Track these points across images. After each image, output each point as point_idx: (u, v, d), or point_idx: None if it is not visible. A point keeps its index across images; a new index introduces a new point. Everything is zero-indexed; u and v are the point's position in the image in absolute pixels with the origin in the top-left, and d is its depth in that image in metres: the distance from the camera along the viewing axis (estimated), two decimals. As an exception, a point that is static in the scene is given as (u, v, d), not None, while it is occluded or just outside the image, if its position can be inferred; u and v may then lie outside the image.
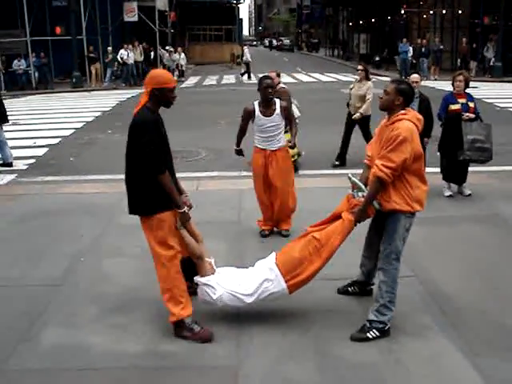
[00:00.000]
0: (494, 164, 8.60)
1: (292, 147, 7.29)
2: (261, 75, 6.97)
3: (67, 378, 4.21)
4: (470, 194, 8.40)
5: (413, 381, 4.09)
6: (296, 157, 9.80)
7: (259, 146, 6.77)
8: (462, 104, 8.12)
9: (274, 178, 6.72)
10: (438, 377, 4.12)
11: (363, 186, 4.70)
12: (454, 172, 8.30)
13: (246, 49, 33.09)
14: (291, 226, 6.88)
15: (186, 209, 4.61)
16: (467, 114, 8.06)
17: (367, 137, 10.40)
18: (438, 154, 8.52)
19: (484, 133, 8.02)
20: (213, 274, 4.82)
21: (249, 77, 31.34)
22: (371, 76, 11.20)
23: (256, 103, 6.67)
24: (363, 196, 4.66)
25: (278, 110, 6.60)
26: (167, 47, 31.74)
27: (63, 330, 4.87)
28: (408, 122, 4.46)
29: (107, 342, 4.67)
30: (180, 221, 4.62)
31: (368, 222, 4.92)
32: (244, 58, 32.55)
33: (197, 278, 4.83)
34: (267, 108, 6.60)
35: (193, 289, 4.93)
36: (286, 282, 4.74)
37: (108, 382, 4.15)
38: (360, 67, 10.70)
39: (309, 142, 12.57)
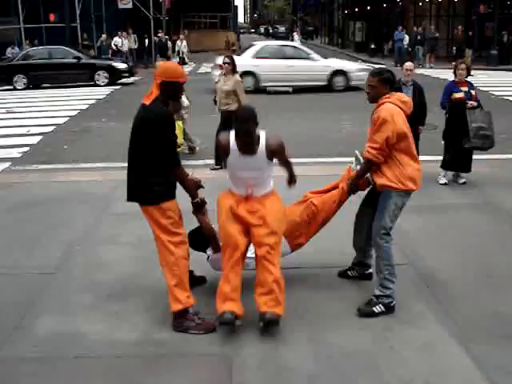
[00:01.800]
0: (489, 152, 8.61)
1: None
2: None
3: (62, 366, 4.21)
4: (464, 182, 8.43)
5: (407, 368, 4.10)
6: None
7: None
8: (465, 92, 8.14)
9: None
10: (432, 364, 4.14)
11: (359, 157, 4.95)
12: (460, 160, 8.31)
13: (295, 35, 32.76)
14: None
15: (198, 199, 4.70)
16: (471, 102, 8.08)
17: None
18: (443, 142, 8.53)
19: (487, 120, 8.07)
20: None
21: None
22: (368, 64, 11.16)
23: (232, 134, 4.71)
24: (355, 169, 4.98)
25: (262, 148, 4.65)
26: (159, 34, 31.53)
27: (58, 317, 4.87)
28: (389, 104, 4.65)
29: (102, 329, 4.67)
30: (194, 210, 4.74)
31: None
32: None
33: (209, 252, 5.06)
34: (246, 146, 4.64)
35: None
36: (288, 243, 5.09)
37: (103, 370, 4.16)
38: (226, 60, 9.74)
39: (294, 129, 12.58)
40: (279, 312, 4.47)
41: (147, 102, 4.43)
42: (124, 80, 22.85)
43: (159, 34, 30.88)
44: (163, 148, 4.39)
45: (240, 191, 4.75)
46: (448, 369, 4.10)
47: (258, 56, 19.47)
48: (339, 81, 19.83)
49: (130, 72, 23.36)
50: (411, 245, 6.11)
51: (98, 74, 22.46)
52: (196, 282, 5.15)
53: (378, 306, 4.74)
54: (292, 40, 32.94)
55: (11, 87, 22.06)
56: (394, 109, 4.63)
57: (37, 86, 22.42)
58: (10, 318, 4.87)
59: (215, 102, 10.09)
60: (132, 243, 6.22)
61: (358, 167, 4.95)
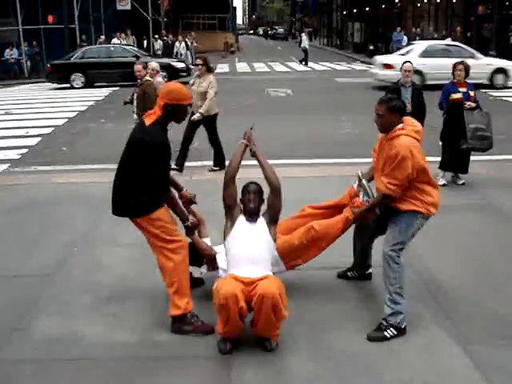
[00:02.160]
0: (488, 153, 8.61)
1: None
2: (255, 64, 6.82)
3: (61, 368, 4.20)
4: (463, 183, 8.43)
5: (406, 369, 4.10)
6: None
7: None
8: (463, 93, 8.13)
9: None
10: (432, 365, 4.14)
11: (371, 193, 4.71)
12: (457, 161, 8.31)
13: (303, 36, 32.85)
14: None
15: (189, 222, 4.70)
16: (469, 102, 8.08)
17: (214, 138, 9.65)
18: (440, 143, 8.53)
19: (485, 121, 8.06)
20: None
21: (306, 63, 31.54)
22: (366, 65, 11.15)
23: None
24: (367, 201, 4.72)
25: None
26: (156, 36, 31.59)
27: (57, 319, 4.86)
28: (405, 137, 4.42)
29: (101, 331, 4.66)
30: (187, 233, 4.77)
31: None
32: (302, 45, 32.48)
33: (204, 270, 5.08)
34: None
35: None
36: (284, 264, 5.02)
37: (102, 372, 4.15)
38: (199, 61, 9.46)
39: (294, 130, 12.59)
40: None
41: (147, 123, 4.37)
42: (182, 79, 22.92)
43: (164, 37, 30.94)
44: (153, 172, 4.34)
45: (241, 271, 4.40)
46: (447, 369, 4.09)
47: (424, 55, 19.67)
48: (499, 78, 20.07)
49: (188, 71, 23.23)
50: (410, 246, 6.06)
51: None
52: (193, 283, 5.14)
53: (389, 330, 4.51)
54: (300, 41, 32.91)
55: (69, 85, 22.31)
56: (413, 142, 4.42)
57: (93, 85, 22.61)
58: (8, 319, 4.86)
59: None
60: (131, 245, 6.21)
61: (366, 198, 4.74)
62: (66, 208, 7.70)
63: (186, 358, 4.31)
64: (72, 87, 22.15)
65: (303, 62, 32.67)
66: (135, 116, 9.56)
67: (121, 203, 4.51)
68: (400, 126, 4.48)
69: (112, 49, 23.70)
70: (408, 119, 4.62)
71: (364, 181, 4.77)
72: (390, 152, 4.43)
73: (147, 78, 9.47)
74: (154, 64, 10.00)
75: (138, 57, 22.06)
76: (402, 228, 4.58)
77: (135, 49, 23.79)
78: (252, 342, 4.43)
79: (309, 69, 30.67)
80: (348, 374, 4.05)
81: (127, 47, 24.15)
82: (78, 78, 22.30)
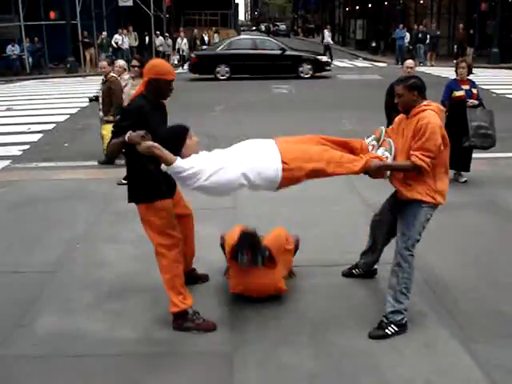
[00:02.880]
0: (491, 151, 8.59)
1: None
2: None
3: (62, 365, 4.20)
4: (465, 181, 8.41)
5: (408, 367, 4.10)
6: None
7: None
8: (466, 90, 8.11)
9: None
10: (434, 363, 4.13)
11: (392, 148, 4.53)
12: (459, 159, 8.29)
13: (326, 32, 32.68)
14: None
15: (128, 134, 4.18)
16: (471, 100, 8.05)
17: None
18: None
19: (488, 119, 8.02)
20: None
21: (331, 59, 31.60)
22: (368, 62, 11.13)
23: None
24: (383, 155, 4.51)
25: None
26: (157, 32, 31.59)
27: (58, 316, 4.87)
28: (432, 112, 4.40)
29: (103, 328, 4.66)
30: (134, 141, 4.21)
31: (363, 211, 4.90)
32: (324, 41, 32.35)
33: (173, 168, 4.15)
34: None
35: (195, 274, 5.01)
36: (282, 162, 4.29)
37: (104, 369, 4.15)
38: (135, 62, 9.05)
39: (297, 126, 12.56)
40: None
41: (132, 98, 4.49)
42: (325, 73, 23.44)
43: (157, 32, 30.91)
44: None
45: None
46: (449, 368, 4.08)
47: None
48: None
49: (330, 64, 23.88)
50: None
51: (302, 66, 22.86)
52: (198, 279, 5.14)
53: (390, 327, 4.51)
54: (323, 38, 32.63)
55: (213, 76, 22.62)
56: (437, 118, 4.38)
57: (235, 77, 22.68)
58: (10, 316, 4.86)
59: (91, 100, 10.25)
60: (132, 241, 6.20)
61: (386, 153, 4.52)
62: (67, 205, 7.70)
63: (188, 354, 4.31)
64: (217, 79, 22.44)
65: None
66: (101, 113, 9.70)
67: (130, 189, 4.55)
68: (425, 102, 4.46)
69: (258, 41, 23.92)
70: (431, 102, 4.56)
71: (389, 139, 4.59)
72: (420, 124, 4.34)
73: (112, 74, 9.56)
74: (121, 62, 10.21)
75: (284, 49, 22.92)
76: (409, 221, 4.53)
77: (278, 42, 24.00)
78: (253, 340, 4.43)
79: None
80: (349, 372, 4.05)
81: (272, 40, 24.98)
82: (222, 70, 22.55)
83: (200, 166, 4.11)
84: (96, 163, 9.93)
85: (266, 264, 4.81)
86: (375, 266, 5.38)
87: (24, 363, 4.23)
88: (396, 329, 4.50)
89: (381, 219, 5.05)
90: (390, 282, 4.63)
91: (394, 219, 4.74)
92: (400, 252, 4.56)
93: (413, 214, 4.52)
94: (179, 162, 4.07)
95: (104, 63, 9.68)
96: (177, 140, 4.24)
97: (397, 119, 4.72)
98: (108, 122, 9.28)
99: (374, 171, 4.48)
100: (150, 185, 4.43)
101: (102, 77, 9.72)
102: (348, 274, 5.46)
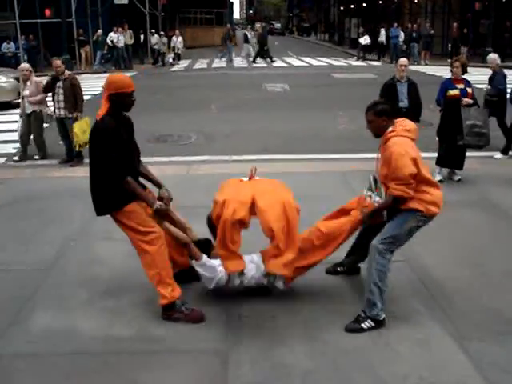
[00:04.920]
0: (485, 150, 8.63)
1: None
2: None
3: (57, 362, 4.20)
4: (459, 180, 8.45)
5: (402, 364, 4.11)
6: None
7: None
8: (461, 89, 8.14)
9: None
10: (427, 360, 4.15)
11: (383, 194, 4.67)
12: (453, 157, 8.32)
13: (382, 31, 32.04)
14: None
15: (157, 205, 4.65)
16: (466, 99, 8.08)
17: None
18: (437, 139, 8.55)
19: (482, 118, 8.06)
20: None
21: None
22: (363, 61, 11.13)
23: None
24: (378, 202, 4.69)
25: None
26: (153, 30, 31.61)
27: (53, 313, 4.87)
28: (396, 137, 4.50)
29: (97, 325, 4.67)
30: (157, 217, 4.72)
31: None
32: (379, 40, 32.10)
33: (193, 263, 4.91)
34: None
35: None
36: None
37: (99, 366, 4.15)
38: (27, 66, 10.26)
39: (291, 125, 12.60)
40: None
41: (98, 118, 4.54)
42: None
43: (152, 31, 30.89)
44: (103, 161, 4.46)
45: None
46: (443, 365, 4.10)
47: None
48: None
49: None
50: (407, 242, 6.11)
51: None
52: (194, 278, 5.15)
53: (366, 322, 4.57)
54: (378, 36, 32.08)
55: None
56: (403, 141, 4.47)
57: None
58: (4, 313, 4.86)
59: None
60: (127, 239, 6.16)
61: (378, 199, 4.70)
62: (62, 202, 7.69)
63: (183, 352, 4.32)
64: None
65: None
66: (62, 112, 9.83)
67: (97, 202, 4.67)
68: (390, 128, 4.56)
69: None
70: (399, 120, 4.67)
71: (379, 183, 4.74)
72: (385, 155, 4.50)
73: (68, 72, 9.98)
74: (26, 65, 10.48)
75: None
76: (397, 223, 4.60)
77: None
78: (248, 338, 4.44)
79: (306, 64, 30.64)
80: (343, 369, 4.06)
81: None
82: None
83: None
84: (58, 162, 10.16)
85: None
86: (360, 265, 5.39)
87: (19, 361, 4.23)
88: (372, 324, 4.56)
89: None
90: (366, 276, 4.73)
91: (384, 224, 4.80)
92: (374, 245, 4.61)
93: (405, 217, 4.58)
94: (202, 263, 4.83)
95: (58, 62, 9.85)
96: None
97: (379, 147, 4.78)
98: (76, 119, 9.63)
99: (369, 219, 4.77)
100: (114, 193, 4.53)
101: (49, 76, 10.02)
102: (332, 271, 5.49)
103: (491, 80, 9.98)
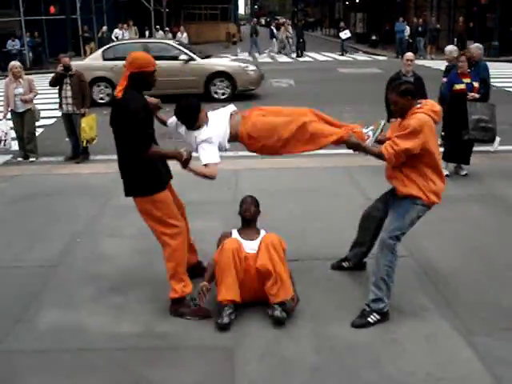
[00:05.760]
0: (491, 144, 8.59)
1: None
2: (258, 54, 6.73)
3: (65, 359, 4.22)
4: (466, 174, 8.41)
5: (409, 360, 4.11)
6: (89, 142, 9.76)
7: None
8: (467, 84, 8.10)
9: None
10: (434, 356, 4.14)
11: (378, 131, 4.75)
12: (459, 152, 8.29)
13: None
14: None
15: (185, 153, 4.44)
16: (472, 93, 8.04)
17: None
18: (443, 133, 8.52)
19: (488, 113, 8.02)
20: None
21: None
22: (369, 56, 11.04)
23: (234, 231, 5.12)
24: (368, 136, 4.75)
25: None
26: (157, 26, 31.62)
27: (60, 310, 4.88)
28: (422, 114, 4.48)
29: (105, 322, 4.68)
30: (184, 166, 4.50)
31: (364, 205, 4.90)
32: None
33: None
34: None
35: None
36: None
37: (106, 363, 4.16)
38: (18, 63, 10.40)
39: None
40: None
41: (119, 96, 4.44)
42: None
43: (157, 26, 30.87)
44: (133, 134, 4.32)
45: None
46: (450, 361, 4.09)
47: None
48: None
49: None
50: (412, 236, 6.07)
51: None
52: (202, 272, 5.16)
53: (372, 316, 4.58)
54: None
55: None
56: (428, 120, 4.46)
57: None
58: (12, 311, 4.88)
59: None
60: (134, 236, 6.21)
61: (370, 132, 4.75)
62: (68, 199, 7.71)
63: (189, 348, 4.32)
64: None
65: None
66: (69, 108, 9.92)
67: (127, 182, 4.57)
68: (418, 105, 4.55)
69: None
70: (428, 101, 4.67)
71: (382, 124, 4.78)
72: (405, 122, 4.48)
73: (75, 68, 9.97)
74: (17, 63, 10.53)
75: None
76: (399, 213, 4.62)
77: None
78: (255, 334, 4.44)
79: (311, 59, 30.58)
80: (351, 365, 4.06)
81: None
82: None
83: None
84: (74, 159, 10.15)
85: None
86: (365, 260, 5.39)
87: (26, 357, 4.25)
88: (378, 317, 4.58)
89: (372, 214, 5.12)
90: (373, 270, 4.73)
91: (385, 215, 4.84)
92: (384, 240, 4.64)
93: (405, 207, 4.60)
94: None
95: (66, 59, 9.86)
96: (193, 113, 4.73)
97: (395, 124, 4.81)
98: (83, 115, 9.74)
99: (350, 145, 4.72)
100: (148, 178, 4.46)
101: (57, 70, 9.91)
102: (337, 266, 5.49)
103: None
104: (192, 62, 16.18)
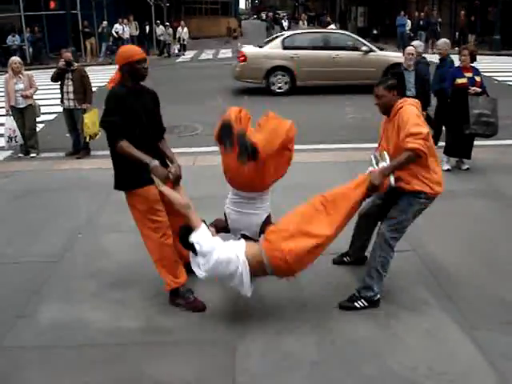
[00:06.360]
0: (493, 138, 8.55)
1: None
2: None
3: (67, 354, 4.22)
4: (468, 168, 8.40)
5: (410, 354, 4.10)
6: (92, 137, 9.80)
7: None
8: (469, 78, 8.07)
9: None
10: (436, 350, 4.13)
11: (387, 156, 4.47)
12: (461, 146, 8.27)
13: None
14: None
15: (154, 163, 4.37)
16: (473, 88, 8.02)
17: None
18: (444, 128, 8.50)
19: (490, 107, 8.00)
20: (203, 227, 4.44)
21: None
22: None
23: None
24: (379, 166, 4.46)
25: None
26: (158, 21, 31.57)
27: (61, 306, 4.88)
28: (408, 105, 4.52)
29: (106, 317, 4.68)
30: (156, 177, 4.43)
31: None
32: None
33: (190, 238, 4.36)
34: None
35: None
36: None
37: (107, 358, 4.16)
38: (17, 59, 10.36)
39: (298, 115, 12.56)
40: None
41: (109, 87, 4.56)
42: None
43: (157, 21, 30.83)
44: (106, 130, 4.49)
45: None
46: (451, 355, 4.09)
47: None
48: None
49: None
50: (414, 231, 6.06)
51: None
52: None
53: (359, 301, 4.66)
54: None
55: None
56: (415, 109, 4.49)
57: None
58: (13, 306, 4.88)
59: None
60: (134, 231, 6.14)
61: (381, 164, 4.45)
62: (69, 195, 7.70)
63: (191, 343, 4.32)
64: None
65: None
66: (71, 103, 9.90)
67: (115, 176, 4.67)
68: (400, 100, 4.59)
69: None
70: (406, 99, 4.69)
71: (385, 152, 4.53)
72: (401, 118, 4.45)
73: (76, 63, 10.03)
74: (17, 58, 10.48)
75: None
76: (402, 207, 4.61)
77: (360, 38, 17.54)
78: (256, 329, 4.44)
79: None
80: (352, 359, 4.06)
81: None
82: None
83: (214, 251, 4.26)
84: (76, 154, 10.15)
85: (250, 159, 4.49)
86: (365, 254, 5.38)
87: (27, 353, 4.25)
88: (366, 303, 4.65)
89: (370, 210, 5.08)
90: (369, 260, 4.78)
91: (382, 212, 4.82)
92: (383, 232, 4.65)
93: (408, 201, 4.59)
94: (201, 233, 4.33)
95: (68, 54, 9.88)
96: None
97: (381, 127, 4.82)
98: (85, 110, 9.71)
99: (377, 182, 4.36)
100: (132, 174, 4.52)
101: (59, 65, 9.86)
102: (339, 261, 5.50)
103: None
104: (371, 54, 16.08)
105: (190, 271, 4.92)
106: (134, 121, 4.46)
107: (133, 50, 4.58)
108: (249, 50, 16.76)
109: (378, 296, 4.69)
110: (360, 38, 16.75)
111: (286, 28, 35.05)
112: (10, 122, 9.91)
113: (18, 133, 9.93)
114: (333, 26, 31.79)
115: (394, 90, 4.60)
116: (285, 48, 16.05)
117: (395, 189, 4.54)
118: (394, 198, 4.68)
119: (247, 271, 4.26)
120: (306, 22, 34.93)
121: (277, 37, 17.23)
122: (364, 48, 16.02)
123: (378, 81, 4.83)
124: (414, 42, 9.89)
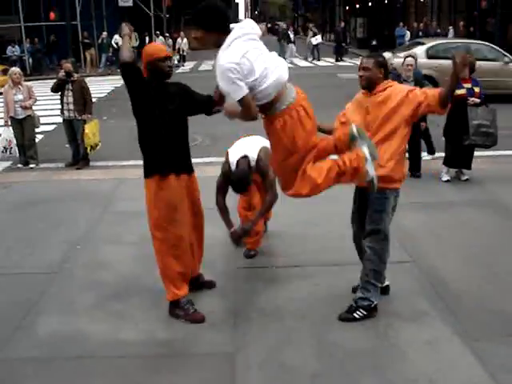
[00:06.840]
0: (492, 149, 8.57)
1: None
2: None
3: (64, 367, 4.19)
4: (467, 179, 8.39)
5: (410, 366, 4.08)
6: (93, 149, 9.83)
7: None
8: (468, 89, 8.08)
9: None
10: (436, 362, 4.11)
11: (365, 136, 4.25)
12: (460, 157, 8.28)
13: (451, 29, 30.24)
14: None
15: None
16: (472, 98, 8.03)
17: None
18: (443, 139, 8.51)
19: (489, 118, 8.00)
20: None
21: None
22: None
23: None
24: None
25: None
26: (157, 32, 31.74)
27: (60, 317, 4.86)
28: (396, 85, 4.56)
29: (105, 329, 4.65)
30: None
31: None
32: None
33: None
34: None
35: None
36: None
37: (105, 370, 4.14)
38: (17, 70, 10.43)
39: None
40: None
41: None
42: None
43: (157, 32, 31.08)
44: (145, 117, 4.70)
45: None
46: (452, 367, 4.07)
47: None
48: None
49: None
50: (414, 242, 6.08)
51: None
52: (204, 286, 5.15)
53: (358, 312, 4.64)
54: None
55: None
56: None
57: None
58: (11, 318, 4.86)
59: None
60: (134, 242, 6.19)
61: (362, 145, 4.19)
62: (68, 205, 7.69)
63: (190, 355, 4.30)
64: None
65: None
66: (71, 114, 9.91)
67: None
68: (386, 81, 4.53)
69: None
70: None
71: (354, 127, 4.30)
72: (394, 91, 4.44)
73: (76, 74, 10.05)
74: (17, 69, 10.64)
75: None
76: (378, 216, 4.52)
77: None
78: (256, 341, 4.42)
79: (312, 65, 30.60)
80: (351, 372, 4.03)
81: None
82: None
83: None
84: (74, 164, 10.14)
85: None
86: (387, 283, 5.28)
87: (25, 365, 4.22)
88: (364, 313, 4.63)
89: (358, 232, 4.92)
90: (361, 273, 4.70)
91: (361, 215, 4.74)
92: (370, 245, 4.57)
93: (381, 205, 4.52)
94: None
95: (68, 65, 9.94)
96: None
97: (356, 98, 4.80)
98: (85, 121, 9.73)
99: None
100: (146, 160, 4.63)
101: (59, 76, 9.97)
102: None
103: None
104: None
105: (195, 287, 4.94)
106: (158, 120, 4.64)
107: (157, 47, 4.73)
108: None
109: (376, 303, 4.67)
110: (500, 49, 16.67)
111: (292, 40, 34.84)
112: (8, 133, 9.92)
113: (13, 145, 9.94)
114: (318, 37, 32.06)
115: (382, 67, 4.52)
116: (429, 57, 15.88)
117: (364, 191, 4.48)
118: (369, 198, 4.56)
119: None
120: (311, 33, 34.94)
121: (413, 45, 16.96)
122: (506, 59, 16.01)
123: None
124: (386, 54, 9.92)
